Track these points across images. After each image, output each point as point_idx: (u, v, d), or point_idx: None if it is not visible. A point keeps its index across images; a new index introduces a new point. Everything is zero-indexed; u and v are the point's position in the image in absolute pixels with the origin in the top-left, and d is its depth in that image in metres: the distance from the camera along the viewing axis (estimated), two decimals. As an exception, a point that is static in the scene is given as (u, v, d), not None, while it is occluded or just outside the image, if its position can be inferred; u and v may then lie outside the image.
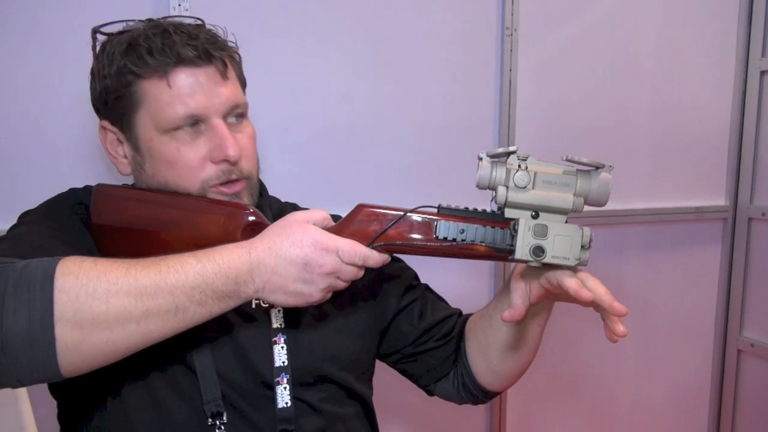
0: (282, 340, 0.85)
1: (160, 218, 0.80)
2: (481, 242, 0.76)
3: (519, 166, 0.74)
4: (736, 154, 1.91)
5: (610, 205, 1.74)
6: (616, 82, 1.74)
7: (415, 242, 0.76)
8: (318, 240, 0.71)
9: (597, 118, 1.73)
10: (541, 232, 0.73)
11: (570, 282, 0.73)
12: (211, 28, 0.86)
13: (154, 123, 0.80)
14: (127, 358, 0.68)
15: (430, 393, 1.04)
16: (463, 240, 0.76)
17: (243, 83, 0.89)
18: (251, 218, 0.79)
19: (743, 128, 1.89)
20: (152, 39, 0.79)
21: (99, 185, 0.84)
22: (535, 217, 0.74)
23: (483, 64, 1.59)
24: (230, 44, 0.86)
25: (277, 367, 0.84)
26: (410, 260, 1.09)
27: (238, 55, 0.88)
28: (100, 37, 0.83)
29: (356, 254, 0.72)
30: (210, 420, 0.80)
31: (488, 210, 0.78)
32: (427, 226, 0.76)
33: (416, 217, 0.76)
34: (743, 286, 1.93)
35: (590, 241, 0.75)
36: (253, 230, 0.77)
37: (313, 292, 0.72)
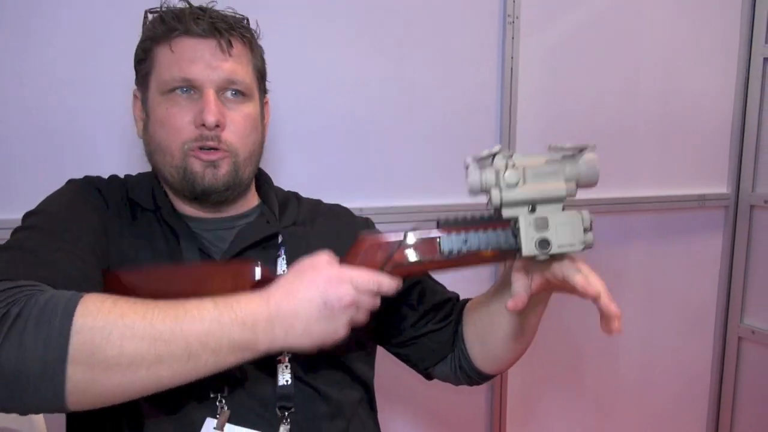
0: None
1: (171, 293, 0.80)
2: (486, 247, 0.76)
3: (507, 164, 0.73)
4: (739, 142, 1.90)
5: (614, 193, 1.78)
6: (619, 69, 1.73)
7: (422, 261, 0.76)
8: (331, 274, 0.72)
9: (599, 106, 1.72)
10: (543, 224, 0.73)
11: (577, 278, 0.74)
12: (237, 15, 0.93)
13: (157, 84, 0.87)
14: None
15: (429, 377, 1.06)
16: (468, 250, 0.76)
17: (257, 71, 0.94)
18: (258, 269, 0.79)
19: (746, 115, 1.89)
20: (170, 12, 0.88)
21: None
22: (533, 211, 0.74)
23: (484, 51, 1.58)
24: (247, 33, 0.92)
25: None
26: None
27: (255, 42, 0.94)
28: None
29: (370, 280, 0.73)
30: (212, 393, 0.82)
31: (485, 214, 0.78)
32: (430, 244, 0.76)
33: (418, 236, 0.76)
34: (744, 274, 1.93)
35: (591, 222, 0.75)
36: (263, 285, 0.77)
37: (337, 327, 0.72)
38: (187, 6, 0.90)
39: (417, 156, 1.54)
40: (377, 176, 1.51)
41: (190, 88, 0.86)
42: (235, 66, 0.88)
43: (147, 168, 0.96)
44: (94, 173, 0.92)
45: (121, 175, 0.97)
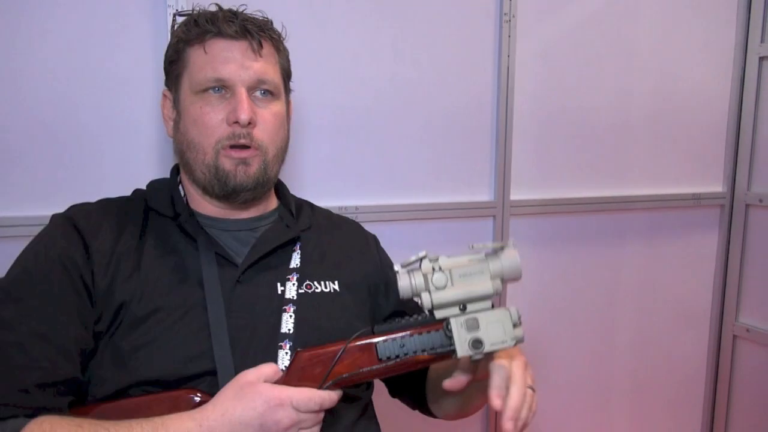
0: (291, 309, 0.89)
1: None
2: (422, 351, 0.77)
3: (433, 268, 0.76)
4: (734, 141, 1.91)
5: (609, 191, 1.78)
6: (615, 68, 1.73)
7: (361, 370, 0.77)
8: (270, 396, 0.71)
9: (595, 105, 1.73)
10: (474, 324, 0.76)
11: (494, 382, 0.76)
12: (265, 18, 0.96)
13: (190, 84, 0.90)
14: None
15: (393, 396, 1.10)
16: (405, 354, 0.77)
17: (284, 70, 0.97)
18: (197, 400, 0.78)
19: (741, 114, 1.90)
20: (203, 15, 0.91)
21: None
22: (463, 309, 0.77)
23: (481, 50, 1.58)
24: (274, 35, 0.95)
25: (282, 333, 0.87)
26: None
27: (282, 43, 0.97)
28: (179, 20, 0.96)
29: (311, 401, 0.73)
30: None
31: (419, 317, 0.79)
32: (368, 351, 0.77)
33: (356, 345, 0.77)
34: (740, 273, 1.94)
35: (519, 317, 0.77)
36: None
37: None
38: (219, 9, 0.93)
39: (413, 154, 1.53)
40: (373, 174, 1.51)
41: (222, 87, 0.89)
42: (265, 66, 0.91)
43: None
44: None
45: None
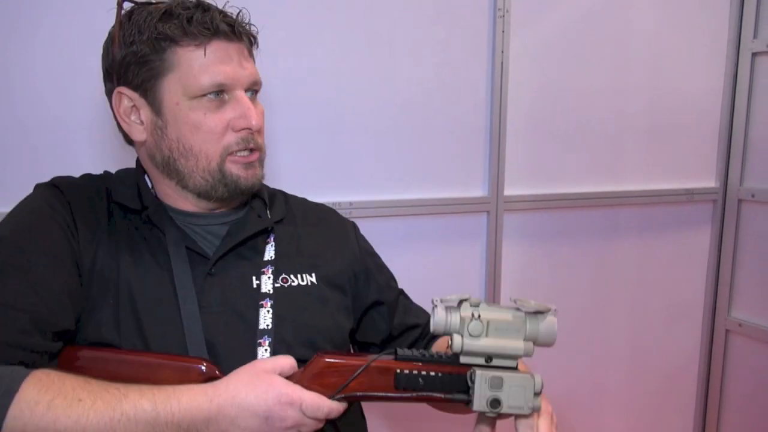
0: (268, 304, 0.88)
1: (120, 377, 0.78)
2: (439, 392, 0.77)
3: (473, 314, 0.76)
4: (727, 136, 1.92)
5: (603, 187, 1.79)
6: (609, 64, 1.74)
7: (375, 393, 0.77)
8: (283, 392, 0.72)
9: (589, 101, 1.73)
10: (497, 384, 0.76)
11: None
12: (235, 10, 0.92)
13: (183, 89, 0.84)
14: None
15: None
16: (422, 389, 0.77)
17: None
18: (203, 368, 0.78)
19: (734, 110, 1.90)
20: (191, 10, 0.84)
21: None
22: (488, 361, 0.77)
23: (474, 46, 1.58)
24: (254, 32, 0.93)
25: (261, 330, 0.86)
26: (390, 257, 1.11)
27: (256, 39, 0.95)
28: (126, 7, 0.87)
29: (319, 409, 0.74)
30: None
31: (443, 354, 0.79)
32: (386, 375, 0.77)
33: (376, 366, 0.77)
34: (732, 267, 1.95)
35: (542, 387, 0.77)
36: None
37: None
38: (201, 5, 0.86)
39: (407, 149, 1.54)
40: (367, 170, 1.51)
41: (221, 91, 0.86)
42: (255, 67, 0.91)
43: (122, 162, 0.93)
44: (68, 168, 0.89)
45: (95, 172, 0.95)
